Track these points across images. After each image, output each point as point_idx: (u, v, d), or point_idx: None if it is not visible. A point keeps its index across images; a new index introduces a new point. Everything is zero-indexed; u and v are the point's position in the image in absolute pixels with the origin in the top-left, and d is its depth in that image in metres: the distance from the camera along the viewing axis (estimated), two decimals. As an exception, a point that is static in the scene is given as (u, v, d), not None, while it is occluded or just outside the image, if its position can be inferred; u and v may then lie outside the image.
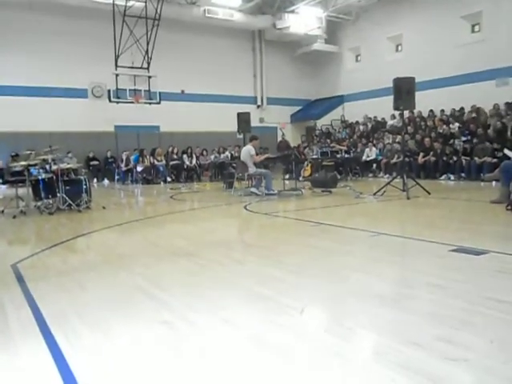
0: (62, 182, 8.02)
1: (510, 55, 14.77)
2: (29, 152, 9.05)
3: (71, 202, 8.00)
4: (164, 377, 2.04)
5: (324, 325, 2.69)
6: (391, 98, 9.09)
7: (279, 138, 19.01)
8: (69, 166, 8.69)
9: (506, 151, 7.99)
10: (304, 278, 3.56)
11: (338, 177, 12.50)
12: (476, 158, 12.54)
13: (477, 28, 16.45)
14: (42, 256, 4.67)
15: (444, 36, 16.85)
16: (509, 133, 12.85)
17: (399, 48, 19.21)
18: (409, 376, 1.94)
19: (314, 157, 14.82)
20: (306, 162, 14.76)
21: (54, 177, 8.01)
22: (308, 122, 22.06)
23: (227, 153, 17.35)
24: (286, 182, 11.02)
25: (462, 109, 15.86)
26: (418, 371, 1.97)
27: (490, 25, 15.68)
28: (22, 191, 8.39)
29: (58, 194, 8.03)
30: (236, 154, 16.11)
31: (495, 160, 11.73)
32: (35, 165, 8.30)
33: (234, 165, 11.90)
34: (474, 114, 15.11)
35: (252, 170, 10.12)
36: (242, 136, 13.40)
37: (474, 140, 13.26)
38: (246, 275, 3.69)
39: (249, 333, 2.48)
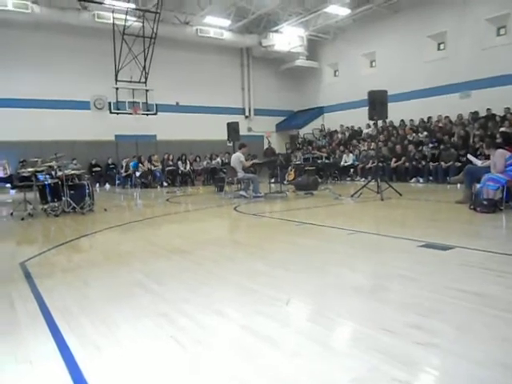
0: (66, 186, 7.94)
1: (471, 71, 14.96)
2: (36, 159, 8.94)
3: (75, 205, 7.92)
4: (164, 365, 2.03)
5: (307, 315, 2.70)
6: (366, 108, 9.12)
7: (265, 146, 19.02)
8: (73, 171, 8.60)
9: (469, 156, 8.08)
10: (289, 272, 3.56)
11: (319, 180, 12.53)
12: (442, 163, 12.66)
13: (442, 46, 16.61)
14: (48, 255, 4.62)
15: (413, 53, 17.00)
16: (471, 140, 13.00)
17: (373, 64, 19.34)
18: (384, 360, 1.95)
19: (298, 162, 14.83)
20: (289, 167, 14.79)
21: (60, 182, 7.93)
22: (291, 131, 22.11)
23: (218, 159, 17.31)
24: (272, 185, 11.02)
25: (430, 119, 16.02)
26: (392, 355, 1.99)
27: (454, 44, 15.87)
28: (29, 195, 8.28)
29: (63, 198, 7.94)
30: (226, 160, 16.09)
31: (459, 164, 11.86)
32: (42, 171, 8.20)
33: (225, 170, 11.87)
34: (440, 124, 15.27)
35: (241, 174, 10.11)
36: (231, 144, 13.37)
37: (441, 146, 13.39)
38: (236, 271, 3.68)
39: (240, 323, 2.48)
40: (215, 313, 2.64)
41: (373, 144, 15.22)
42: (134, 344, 2.26)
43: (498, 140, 7.66)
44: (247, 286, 3.19)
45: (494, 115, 13.74)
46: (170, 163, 16.90)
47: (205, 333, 2.37)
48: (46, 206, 7.99)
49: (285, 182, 13.33)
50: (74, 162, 15.02)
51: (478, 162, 7.52)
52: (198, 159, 17.52)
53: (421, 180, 13.24)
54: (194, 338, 2.29)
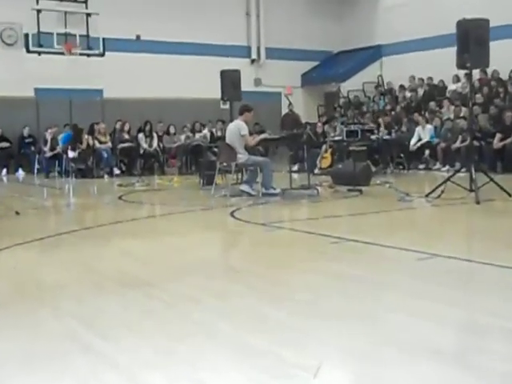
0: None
1: None
2: None
3: (-32, 205, 7.98)
4: None
5: (348, 392, 2.70)
6: (453, 50, 9.15)
7: (284, 110, 19.01)
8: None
9: None
10: (318, 321, 3.56)
11: (373, 169, 12.51)
12: None
13: None
14: None
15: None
16: None
17: (466, -25, 19.27)
18: None
19: (337, 138, 14.80)
20: (324, 146, 14.77)
21: None
22: (328, 86, 22.08)
23: (205, 131, 17.33)
24: (294, 175, 11.01)
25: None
26: None
27: None
28: None
29: None
30: (219, 134, 16.11)
31: None
32: None
33: (216, 150, 11.88)
34: None
35: (243, 157, 10.09)
36: (227, 106, 13.40)
37: None
38: (230, 317, 3.69)
39: (235, 404, 2.49)
40: (195, 386, 2.65)
41: (463, 109, 15.15)
42: None
43: None
44: (249, 342, 3.19)
45: None
46: (126, 137, 16.95)
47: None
48: None
49: (315, 171, 13.33)
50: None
51: None
52: (172, 130, 17.54)
53: (544, 170, 13.20)
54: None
